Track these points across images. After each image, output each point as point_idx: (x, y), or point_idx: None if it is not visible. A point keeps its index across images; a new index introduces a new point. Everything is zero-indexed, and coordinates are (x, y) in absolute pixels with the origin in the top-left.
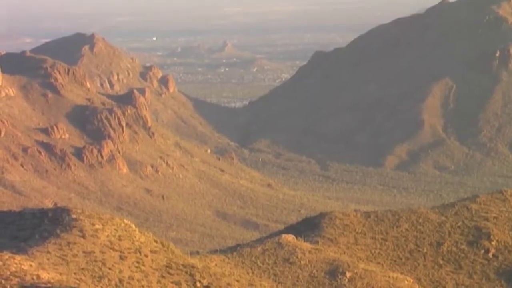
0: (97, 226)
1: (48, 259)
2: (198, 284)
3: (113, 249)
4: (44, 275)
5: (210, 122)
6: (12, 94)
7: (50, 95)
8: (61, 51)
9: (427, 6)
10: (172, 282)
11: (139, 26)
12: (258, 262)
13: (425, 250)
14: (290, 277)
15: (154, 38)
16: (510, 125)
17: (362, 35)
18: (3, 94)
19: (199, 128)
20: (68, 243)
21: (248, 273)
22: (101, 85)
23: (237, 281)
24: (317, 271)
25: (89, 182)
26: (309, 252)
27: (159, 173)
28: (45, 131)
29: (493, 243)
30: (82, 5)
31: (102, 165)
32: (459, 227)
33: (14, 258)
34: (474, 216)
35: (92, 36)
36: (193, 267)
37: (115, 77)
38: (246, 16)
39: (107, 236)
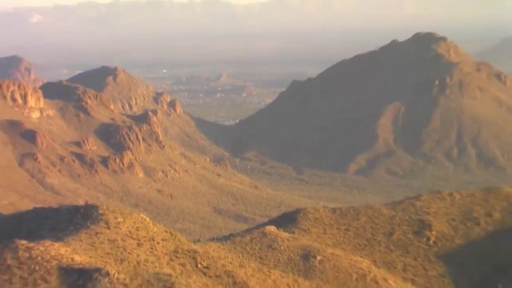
0: (119, 219)
1: (80, 246)
2: (199, 265)
3: (132, 237)
4: (77, 258)
5: (209, 137)
6: (51, 115)
7: (81, 115)
8: (90, 80)
9: (380, 45)
10: (179, 264)
11: (152, 60)
12: (247, 248)
13: (379, 238)
14: (272, 259)
15: (164, 70)
16: (446, 139)
17: (329, 67)
18: (45, 114)
19: (200, 141)
20: (96, 233)
21: (239, 257)
22: (122, 107)
23: (230, 263)
24: (293, 255)
25: (112, 184)
26: (288, 240)
27: (168, 177)
28: (77, 143)
29: (433, 232)
30: (107, 44)
31: (123, 171)
32: (406, 220)
33: (53, 245)
34: (418, 211)
35: (115, 68)
36: (195, 251)
37: (133, 101)
38: (238, 52)
39: (127, 227)
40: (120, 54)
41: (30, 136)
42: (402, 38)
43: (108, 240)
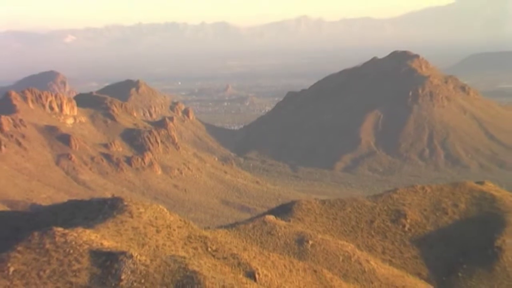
0: (140, 210)
1: (107, 232)
2: (209, 249)
3: (152, 225)
4: (105, 243)
5: (217, 140)
6: (83, 121)
7: (109, 121)
8: (116, 92)
9: (363, 61)
10: (192, 248)
11: (169, 74)
12: (250, 234)
13: (362, 226)
14: (271, 244)
15: (179, 83)
16: (419, 141)
17: (320, 80)
18: (78, 121)
19: (209, 143)
20: (121, 221)
21: (243, 241)
22: (143, 114)
23: (236, 246)
24: (289, 240)
25: (135, 180)
26: (284, 227)
27: (183, 174)
28: (105, 145)
29: (408, 220)
30: (130, 60)
31: (144, 168)
32: (385, 210)
33: (85, 232)
34: (395, 202)
35: (138, 81)
36: (205, 237)
37: (153, 109)
38: (242, 67)
39: (148, 216)
40: (142, 69)
41: (65, 139)
42: (381, 55)
43: (132, 227)
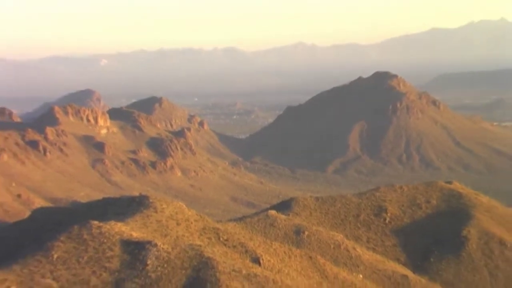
0: (163, 206)
1: (136, 225)
2: (221, 239)
3: (172, 219)
4: (134, 234)
5: (227, 147)
6: (115, 131)
7: (136, 131)
8: (142, 107)
9: (351, 80)
10: (206, 237)
11: (187, 92)
12: (255, 226)
13: (349, 219)
14: (273, 234)
15: (196, 99)
16: (398, 148)
17: (314, 96)
18: (110, 131)
19: (221, 150)
20: (147, 215)
21: (249, 232)
22: (165, 125)
23: (243, 236)
24: (288, 231)
25: (158, 181)
26: (284, 220)
27: (198, 175)
28: (133, 152)
29: (388, 214)
30: (154, 80)
31: (166, 171)
32: (369, 205)
33: (116, 224)
34: (378, 199)
35: (161, 98)
36: (218, 229)
37: (173, 121)
38: (248, 86)
39: (169, 211)
40: (164, 87)
41: (100, 146)
42: (365, 75)
43: (156, 220)
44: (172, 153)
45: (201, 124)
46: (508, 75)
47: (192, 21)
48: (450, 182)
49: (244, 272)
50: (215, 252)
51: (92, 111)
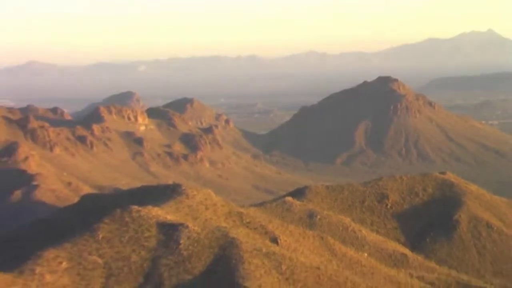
0: (194, 193)
1: (170, 209)
2: (244, 221)
3: (202, 204)
4: (168, 217)
5: (249, 142)
6: (152, 128)
7: (171, 128)
8: (176, 106)
9: (357, 84)
10: (231, 220)
11: (214, 93)
12: (274, 210)
13: (356, 205)
14: (289, 218)
15: (222, 100)
16: (398, 143)
17: (325, 98)
18: (148, 128)
19: (244, 144)
20: (180, 201)
21: (268, 216)
22: (196, 123)
23: (263, 220)
24: (303, 215)
25: (190, 171)
26: (299, 205)
27: (224, 166)
28: (168, 146)
29: (390, 201)
30: (186, 83)
31: (196, 163)
32: (373, 193)
33: (153, 209)
34: (380, 187)
35: (192, 99)
36: (241, 213)
37: (203, 119)
38: (268, 88)
39: (199, 198)
40: (195, 90)
41: (139, 141)
42: (370, 79)
43: (187, 206)
44: (201, 147)
45: (226, 122)
46: (495, 80)
47: (219, 33)
48: (443, 173)
49: (264, 250)
50: (239, 233)
51: (132, 110)
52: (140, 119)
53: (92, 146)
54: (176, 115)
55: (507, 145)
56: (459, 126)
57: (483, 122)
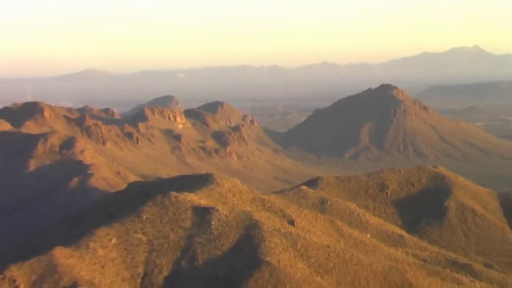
0: (223, 182)
1: (203, 195)
2: (265, 206)
3: (230, 191)
4: (202, 201)
5: (271, 139)
6: (188, 126)
7: (204, 127)
8: (208, 108)
9: (362, 90)
10: (255, 205)
11: (241, 98)
12: (291, 197)
13: (360, 193)
14: (304, 203)
15: (248, 103)
16: (397, 141)
17: (335, 102)
18: (185, 126)
19: (266, 141)
20: (211, 189)
21: (286, 202)
22: (226, 122)
23: (282, 205)
24: (315, 201)
25: (220, 163)
26: (312, 193)
27: (249, 160)
28: (202, 141)
29: (389, 190)
30: (217, 89)
31: (226, 156)
32: (375, 183)
33: (189, 195)
34: (382, 178)
35: (222, 102)
36: (263, 199)
37: (232, 119)
38: (287, 94)
39: (228, 186)
40: (225, 94)
41: (177, 137)
42: (374, 86)
43: (218, 192)
44: (230, 143)
45: (251, 122)
46: (480, 88)
47: (245, 46)
48: (435, 167)
49: (282, 231)
50: (261, 216)
51: (172, 111)
52: (178, 119)
53: (137, 141)
54: (209, 116)
55: (490, 144)
56: (450, 127)
57: (470, 124)
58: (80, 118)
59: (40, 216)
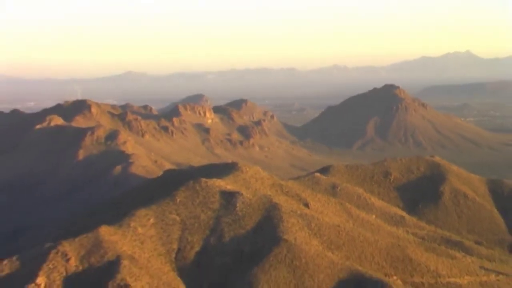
0: (247, 169)
1: (229, 181)
2: (284, 191)
3: (253, 177)
4: (228, 187)
5: (289, 132)
6: (217, 121)
7: (230, 121)
8: (234, 105)
9: (368, 89)
10: (274, 190)
11: (262, 96)
12: (306, 183)
13: (367, 179)
14: (318, 188)
15: (267, 101)
16: (398, 134)
17: (345, 100)
18: (214, 121)
19: (285, 134)
20: (237, 175)
21: (302, 187)
22: (249, 117)
23: (298, 190)
24: (327, 186)
25: (244, 153)
26: (325, 179)
27: (270, 150)
28: (228, 134)
29: (392, 176)
30: (240, 89)
31: (249, 147)
32: (380, 171)
33: (217, 180)
34: (385, 166)
35: (246, 100)
36: (282, 184)
37: (254, 115)
38: (303, 93)
39: (251, 173)
40: (248, 93)
41: (207, 130)
42: (378, 86)
43: (242, 179)
44: (253, 135)
45: (272, 117)
46: (471, 88)
47: (267, 50)
48: (432, 156)
49: (298, 212)
50: (280, 199)
51: (202, 107)
52: (208, 114)
53: (172, 134)
54: (234, 112)
55: (480, 136)
56: (445, 122)
57: (463, 119)
58: (122, 113)
59: (88, 199)
